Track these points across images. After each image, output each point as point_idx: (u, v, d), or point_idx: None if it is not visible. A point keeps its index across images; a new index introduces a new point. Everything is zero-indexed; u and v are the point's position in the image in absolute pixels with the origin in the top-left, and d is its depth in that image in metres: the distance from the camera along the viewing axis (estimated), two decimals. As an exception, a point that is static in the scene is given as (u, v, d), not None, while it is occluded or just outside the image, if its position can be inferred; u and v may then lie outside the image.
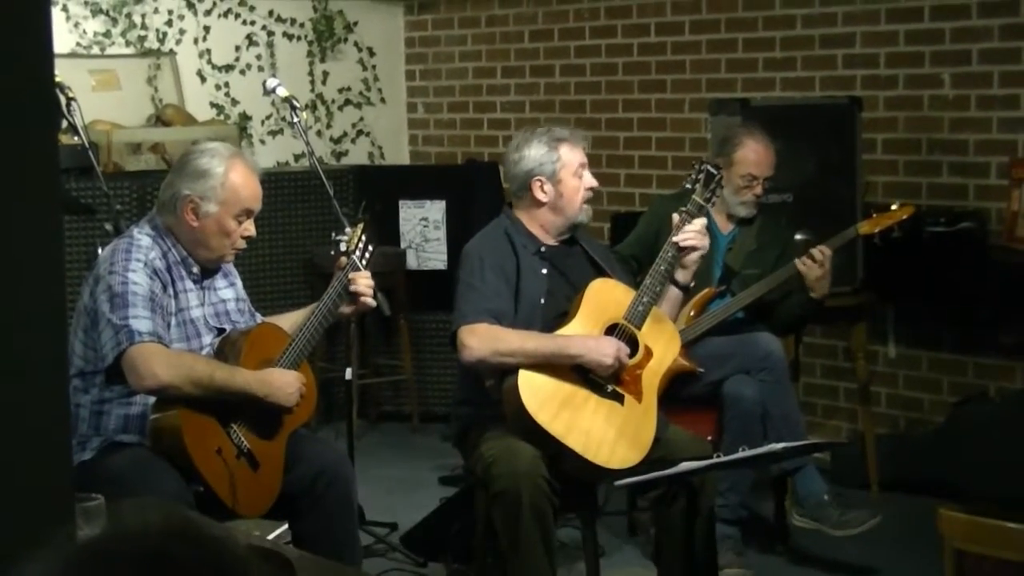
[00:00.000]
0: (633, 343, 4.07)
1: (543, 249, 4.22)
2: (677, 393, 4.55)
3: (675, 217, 4.20)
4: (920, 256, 5.58)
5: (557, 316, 4.12)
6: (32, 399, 1.89)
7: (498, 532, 3.93)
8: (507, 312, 4.07)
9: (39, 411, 1.90)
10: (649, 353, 4.10)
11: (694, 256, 4.18)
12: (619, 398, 4.02)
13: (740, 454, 3.84)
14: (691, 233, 4.15)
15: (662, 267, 4.13)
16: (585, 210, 4.23)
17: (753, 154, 4.93)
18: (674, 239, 4.15)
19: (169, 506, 1.21)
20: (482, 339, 3.99)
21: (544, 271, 4.19)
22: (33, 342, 1.90)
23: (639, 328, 4.09)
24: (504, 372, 3.99)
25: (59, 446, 1.93)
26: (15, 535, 1.77)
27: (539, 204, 4.22)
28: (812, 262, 4.78)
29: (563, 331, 4.06)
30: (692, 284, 4.28)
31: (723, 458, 3.82)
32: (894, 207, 5.02)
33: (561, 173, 4.19)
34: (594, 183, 4.24)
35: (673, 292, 4.23)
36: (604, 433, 3.95)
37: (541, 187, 4.20)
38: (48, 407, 1.91)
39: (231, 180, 3.75)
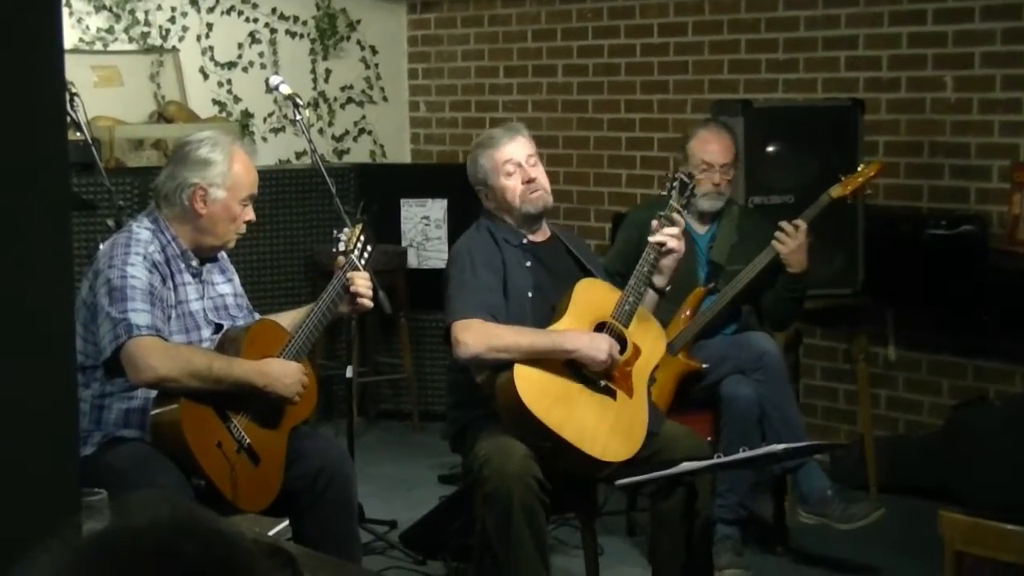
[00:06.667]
0: (621, 341, 4.10)
1: (525, 242, 4.28)
2: (686, 393, 4.59)
3: (654, 223, 4.23)
4: (921, 259, 5.58)
5: (546, 311, 4.14)
6: (39, 392, 1.90)
7: (489, 532, 3.95)
8: (500, 306, 4.12)
9: (46, 404, 1.91)
10: (637, 350, 4.13)
11: (670, 260, 4.20)
12: (611, 393, 4.05)
13: (740, 455, 3.86)
14: (668, 234, 4.17)
15: (645, 268, 4.16)
16: (533, 201, 4.25)
17: (703, 143, 4.96)
18: (653, 239, 4.17)
19: (177, 500, 1.20)
20: (477, 335, 4.01)
21: (528, 264, 4.24)
22: (40, 336, 1.90)
23: (626, 326, 4.12)
24: (497, 368, 4.01)
25: (65, 439, 1.94)
26: (22, 528, 1.77)
27: (494, 207, 4.31)
28: (785, 235, 4.80)
29: (554, 328, 4.08)
30: (668, 288, 4.30)
31: (723, 459, 3.83)
32: (860, 167, 5.04)
33: (491, 179, 4.28)
34: (531, 175, 4.24)
35: (650, 295, 4.26)
36: (597, 426, 3.97)
37: (485, 196, 4.33)
38: (54, 400, 1.92)
39: (236, 166, 3.83)
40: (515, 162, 4.26)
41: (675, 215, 4.20)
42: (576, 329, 4.07)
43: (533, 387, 3.96)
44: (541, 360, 4.00)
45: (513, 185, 4.24)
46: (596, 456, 3.93)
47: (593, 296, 4.17)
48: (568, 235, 4.51)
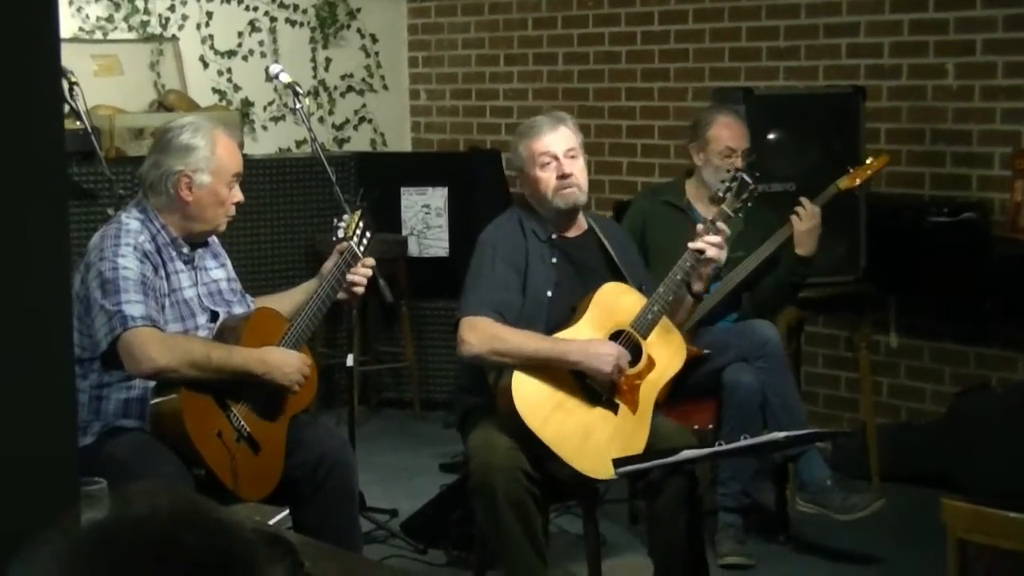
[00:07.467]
0: (637, 351, 4.05)
1: (555, 237, 4.22)
2: (682, 381, 4.56)
3: (699, 227, 4.18)
4: (922, 246, 5.58)
5: (564, 311, 4.09)
6: (37, 382, 1.89)
7: (480, 525, 3.93)
8: (513, 304, 4.05)
9: (44, 394, 1.90)
10: (651, 363, 4.07)
11: (708, 268, 4.16)
12: (613, 407, 4.00)
13: (742, 442, 3.85)
14: (709, 242, 4.10)
15: (678, 276, 4.09)
16: (564, 196, 4.18)
17: (727, 129, 4.94)
18: (693, 246, 4.11)
19: (176, 490, 1.20)
20: (481, 336, 3.97)
21: (554, 260, 4.17)
22: (38, 327, 1.90)
23: (645, 337, 4.05)
24: (500, 370, 3.98)
25: (64, 429, 1.93)
26: (22, 519, 1.77)
27: (527, 193, 4.26)
28: (803, 211, 4.80)
29: (567, 334, 4.03)
30: (706, 293, 4.26)
31: (725, 446, 3.83)
32: (869, 160, 5.05)
33: (526, 168, 4.23)
34: (566, 170, 4.16)
35: (686, 299, 4.22)
36: (593, 442, 3.93)
37: (520, 183, 4.30)
38: (53, 390, 1.91)
39: (219, 149, 3.81)
40: (551, 154, 4.18)
41: (721, 224, 4.12)
42: (586, 338, 4.01)
43: (530, 396, 3.91)
44: (544, 367, 3.96)
45: (547, 177, 4.17)
46: (586, 474, 3.90)
47: (616, 302, 4.10)
48: (607, 227, 4.42)
